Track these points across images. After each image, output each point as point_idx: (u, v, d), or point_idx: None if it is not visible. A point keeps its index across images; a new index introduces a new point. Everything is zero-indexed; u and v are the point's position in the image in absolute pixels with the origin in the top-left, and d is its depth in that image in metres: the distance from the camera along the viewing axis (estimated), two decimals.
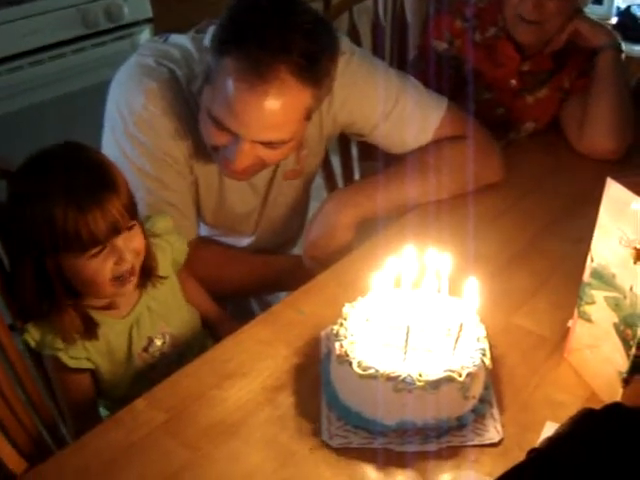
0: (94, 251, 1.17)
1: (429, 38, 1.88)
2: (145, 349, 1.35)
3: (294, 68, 1.25)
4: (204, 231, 1.69)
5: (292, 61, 1.25)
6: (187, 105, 1.43)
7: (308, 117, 1.37)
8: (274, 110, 1.28)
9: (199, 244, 1.59)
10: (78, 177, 1.16)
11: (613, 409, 0.70)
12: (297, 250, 1.82)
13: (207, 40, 1.42)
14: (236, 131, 1.32)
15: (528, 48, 1.85)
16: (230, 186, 1.57)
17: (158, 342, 1.36)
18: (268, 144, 1.35)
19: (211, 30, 1.45)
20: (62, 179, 1.16)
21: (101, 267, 1.19)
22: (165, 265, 1.36)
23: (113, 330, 1.31)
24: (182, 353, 1.40)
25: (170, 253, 1.39)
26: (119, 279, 1.22)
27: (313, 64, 1.27)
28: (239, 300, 1.81)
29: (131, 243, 1.21)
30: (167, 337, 1.38)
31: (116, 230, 1.17)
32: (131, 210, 1.21)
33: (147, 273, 1.31)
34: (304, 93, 1.30)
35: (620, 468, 0.63)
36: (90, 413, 1.34)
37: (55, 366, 1.29)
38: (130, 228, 1.21)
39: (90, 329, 1.26)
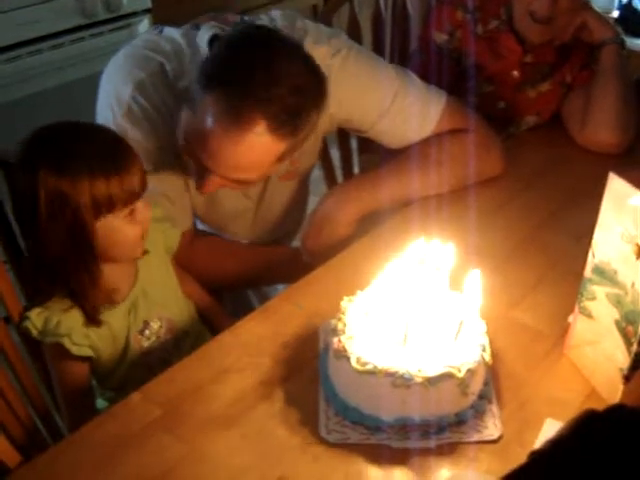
0: (130, 208, 1.22)
1: (430, 29, 1.87)
2: (141, 332, 1.35)
3: (273, 123, 1.24)
4: (200, 227, 1.69)
5: (272, 114, 1.23)
6: (174, 99, 1.41)
7: (280, 161, 1.36)
8: (245, 157, 1.28)
9: (195, 236, 1.58)
10: (106, 142, 1.22)
11: (616, 410, 0.69)
12: (296, 243, 1.81)
13: (200, 38, 1.41)
14: (206, 165, 1.32)
15: (534, 41, 1.84)
16: None
17: (155, 325, 1.37)
18: (236, 180, 1.35)
19: (205, 28, 1.43)
20: (95, 147, 1.20)
21: (133, 226, 1.24)
22: (158, 249, 1.38)
23: (114, 315, 1.31)
24: (179, 339, 1.41)
25: (163, 239, 1.40)
26: (143, 238, 1.28)
27: (293, 119, 1.26)
28: (236, 292, 1.80)
29: (146, 207, 1.26)
30: (163, 321, 1.38)
31: (144, 184, 1.24)
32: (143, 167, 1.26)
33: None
34: (278, 145, 1.29)
35: (623, 470, 0.62)
36: (86, 403, 1.34)
37: (55, 354, 1.29)
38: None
39: (94, 316, 1.27)
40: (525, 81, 1.90)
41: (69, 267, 1.22)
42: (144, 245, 1.30)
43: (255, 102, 1.22)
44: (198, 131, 1.28)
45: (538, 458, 0.66)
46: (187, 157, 1.36)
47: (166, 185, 1.48)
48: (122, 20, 2.53)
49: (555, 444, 0.66)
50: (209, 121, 1.26)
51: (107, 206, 1.19)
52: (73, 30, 2.42)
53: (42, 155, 1.19)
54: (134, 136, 1.40)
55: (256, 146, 1.26)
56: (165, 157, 1.45)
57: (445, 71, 1.78)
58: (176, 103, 1.40)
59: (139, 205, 1.24)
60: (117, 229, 1.23)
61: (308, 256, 1.55)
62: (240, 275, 1.65)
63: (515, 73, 1.88)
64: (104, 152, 1.20)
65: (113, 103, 1.42)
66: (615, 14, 3.42)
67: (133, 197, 1.21)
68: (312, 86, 1.28)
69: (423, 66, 1.78)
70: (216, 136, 1.26)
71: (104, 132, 1.25)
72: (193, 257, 1.54)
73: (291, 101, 1.24)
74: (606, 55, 1.79)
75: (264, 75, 1.22)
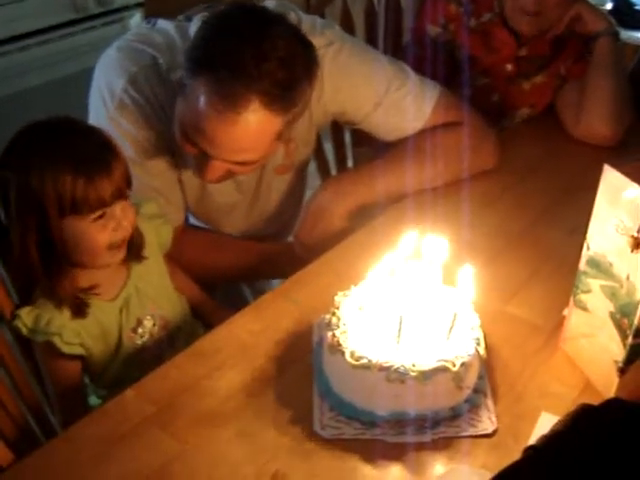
0: (98, 214, 1.19)
1: (423, 22, 1.87)
2: (134, 330, 1.34)
3: (266, 98, 1.23)
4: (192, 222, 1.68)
5: (264, 91, 1.23)
6: (167, 92, 1.41)
7: (279, 138, 1.35)
8: (243, 137, 1.27)
9: (186, 230, 1.58)
10: (84, 142, 1.19)
11: (612, 404, 0.68)
12: (292, 237, 1.81)
13: (192, 30, 1.40)
14: (206, 150, 1.31)
15: (525, 35, 1.83)
16: None
17: (148, 323, 1.36)
18: (238, 163, 1.34)
19: (197, 19, 1.42)
20: (68, 145, 1.18)
21: (101, 233, 1.21)
22: (151, 247, 1.36)
23: (105, 313, 1.30)
24: (172, 335, 1.40)
25: (155, 236, 1.39)
26: (114, 247, 1.24)
27: (286, 92, 1.26)
28: (230, 287, 1.80)
29: (127, 212, 1.24)
30: (157, 319, 1.37)
31: (120, 194, 1.21)
32: (129, 177, 1.24)
33: (135, 249, 1.31)
34: (275, 121, 1.28)
35: (620, 465, 0.61)
36: (78, 402, 1.33)
37: (46, 353, 1.28)
38: (127, 196, 1.24)
39: (80, 305, 1.26)
40: (519, 74, 1.89)
41: (35, 265, 1.21)
42: (119, 254, 1.27)
43: (246, 80, 1.22)
44: (193, 118, 1.28)
45: (533, 453, 0.66)
46: (186, 148, 1.34)
47: (158, 179, 1.47)
48: (114, 14, 2.52)
49: (550, 439, 0.66)
50: (202, 105, 1.25)
51: (71, 207, 1.16)
52: (64, 25, 2.41)
53: (17, 147, 1.19)
54: (126, 128, 1.40)
55: (253, 124, 1.26)
56: (157, 150, 1.44)
57: (439, 64, 1.78)
58: (169, 96, 1.39)
59: (115, 211, 1.21)
60: (82, 233, 1.20)
61: (302, 249, 1.55)
62: (230, 269, 1.64)
63: (509, 67, 1.88)
64: (79, 151, 1.17)
65: (105, 96, 1.42)
66: (609, 6, 3.42)
67: (101, 203, 1.18)
68: (301, 57, 1.28)
69: (417, 59, 1.77)
70: (211, 120, 1.25)
71: (88, 132, 1.22)
72: (184, 251, 1.53)
73: (282, 75, 1.23)
74: (600, 47, 1.79)
75: (252, 52, 1.22)
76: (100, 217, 1.20)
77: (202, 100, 1.25)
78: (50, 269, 1.22)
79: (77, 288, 1.26)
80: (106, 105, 1.41)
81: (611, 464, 0.61)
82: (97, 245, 1.22)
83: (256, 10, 1.30)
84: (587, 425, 0.65)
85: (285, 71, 1.24)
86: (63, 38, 2.41)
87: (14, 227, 1.20)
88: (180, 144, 1.36)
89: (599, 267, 1.10)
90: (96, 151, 1.19)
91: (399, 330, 1.05)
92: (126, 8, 2.55)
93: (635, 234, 1.01)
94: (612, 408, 0.68)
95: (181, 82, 1.31)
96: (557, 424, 0.67)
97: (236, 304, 1.45)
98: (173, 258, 1.47)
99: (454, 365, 1.03)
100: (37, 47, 2.35)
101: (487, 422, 1.07)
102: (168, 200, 1.50)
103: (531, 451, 0.65)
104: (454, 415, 1.07)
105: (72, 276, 1.26)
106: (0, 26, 2.25)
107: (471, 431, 1.06)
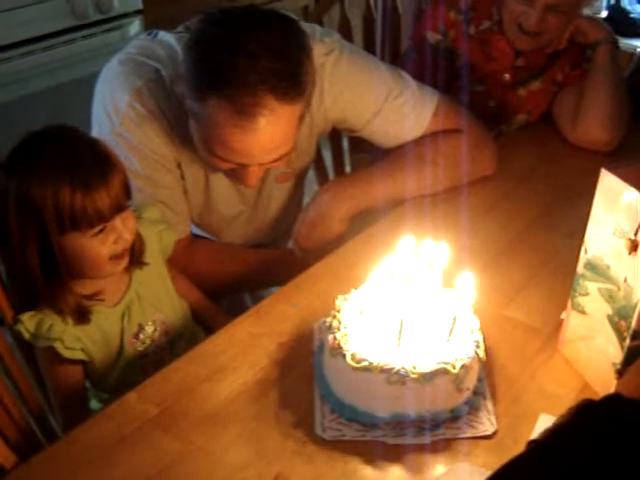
0: (97, 229, 1.19)
1: (423, 29, 1.88)
2: (135, 336, 1.35)
3: (278, 94, 1.25)
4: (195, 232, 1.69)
5: (273, 87, 1.24)
6: (172, 104, 1.41)
7: (302, 118, 1.37)
8: (273, 137, 1.30)
9: (193, 240, 1.58)
10: (83, 155, 1.19)
11: (613, 399, 0.69)
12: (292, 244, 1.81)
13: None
14: (242, 163, 1.33)
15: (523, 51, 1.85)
16: (216, 188, 1.56)
17: (149, 329, 1.37)
18: (275, 160, 1.36)
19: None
20: (67, 158, 1.18)
21: (102, 246, 1.22)
22: (153, 252, 1.37)
23: (107, 319, 1.31)
24: (173, 341, 1.41)
25: (157, 242, 1.40)
26: (116, 258, 1.25)
27: (294, 80, 1.27)
28: (234, 296, 1.80)
29: (127, 223, 1.24)
30: (158, 324, 1.38)
31: (119, 208, 1.21)
32: (128, 188, 1.24)
33: (136, 256, 1.32)
34: (294, 108, 1.30)
35: (622, 459, 0.62)
36: (80, 406, 1.33)
37: (48, 358, 1.29)
38: (127, 208, 1.24)
39: (83, 312, 1.27)
40: (516, 81, 1.91)
41: (36, 276, 1.21)
42: (122, 263, 1.27)
43: (252, 87, 1.23)
44: (219, 139, 1.29)
45: (536, 448, 0.66)
46: (219, 164, 1.36)
47: (165, 192, 1.47)
48: (113, 21, 2.52)
49: (553, 434, 0.66)
50: (223, 129, 1.27)
51: (71, 221, 1.16)
52: (64, 32, 2.41)
53: (18, 158, 1.19)
54: (132, 142, 1.40)
55: (276, 122, 1.27)
56: (164, 163, 1.45)
57: (439, 70, 1.79)
58: (174, 107, 1.40)
59: (116, 224, 1.21)
60: (83, 247, 1.20)
61: (301, 252, 1.55)
62: (239, 279, 1.64)
63: (507, 76, 1.89)
64: (78, 164, 1.17)
65: (110, 111, 1.42)
66: (604, 14, 3.44)
67: (100, 218, 1.18)
68: (290, 40, 1.28)
69: (417, 65, 1.79)
70: (237, 138, 1.27)
71: (87, 143, 1.22)
72: (192, 261, 1.54)
73: (281, 67, 1.24)
74: (600, 54, 1.80)
75: (244, 59, 1.22)
76: (100, 231, 1.20)
77: (221, 122, 1.26)
78: (51, 281, 1.23)
79: (79, 296, 1.27)
80: (111, 120, 1.41)
81: (613, 459, 0.62)
82: (99, 257, 1.23)
83: (233, 14, 1.30)
84: (589, 420, 0.66)
85: (284, 62, 1.25)
86: (63, 45, 2.41)
87: (14, 236, 1.20)
88: (211, 162, 1.37)
89: (597, 270, 1.11)
90: (94, 162, 1.19)
91: (400, 333, 1.05)
92: (125, 15, 2.55)
93: (632, 237, 1.02)
94: (613, 403, 0.68)
95: (189, 107, 1.32)
96: (559, 419, 0.68)
97: (237, 310, 1.45)
98: (179, 266, 1.48)
99: (454, 367, 1.04)
100: (38, 54, 2.35)
101: (487, 424, 1.08)
102: (175, 212, 1.50)
103: (534, 445, 0.66)
104: (454, 417, 1.08)
105: (74, 286, 1.26)
106: (1, 33, 2.25)
107: (471, 433, 1.07)
